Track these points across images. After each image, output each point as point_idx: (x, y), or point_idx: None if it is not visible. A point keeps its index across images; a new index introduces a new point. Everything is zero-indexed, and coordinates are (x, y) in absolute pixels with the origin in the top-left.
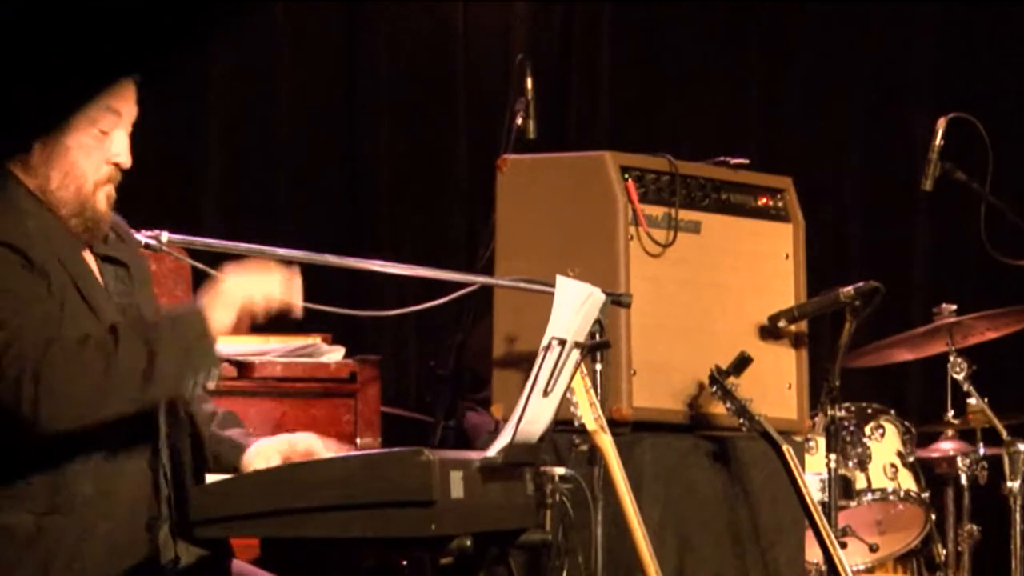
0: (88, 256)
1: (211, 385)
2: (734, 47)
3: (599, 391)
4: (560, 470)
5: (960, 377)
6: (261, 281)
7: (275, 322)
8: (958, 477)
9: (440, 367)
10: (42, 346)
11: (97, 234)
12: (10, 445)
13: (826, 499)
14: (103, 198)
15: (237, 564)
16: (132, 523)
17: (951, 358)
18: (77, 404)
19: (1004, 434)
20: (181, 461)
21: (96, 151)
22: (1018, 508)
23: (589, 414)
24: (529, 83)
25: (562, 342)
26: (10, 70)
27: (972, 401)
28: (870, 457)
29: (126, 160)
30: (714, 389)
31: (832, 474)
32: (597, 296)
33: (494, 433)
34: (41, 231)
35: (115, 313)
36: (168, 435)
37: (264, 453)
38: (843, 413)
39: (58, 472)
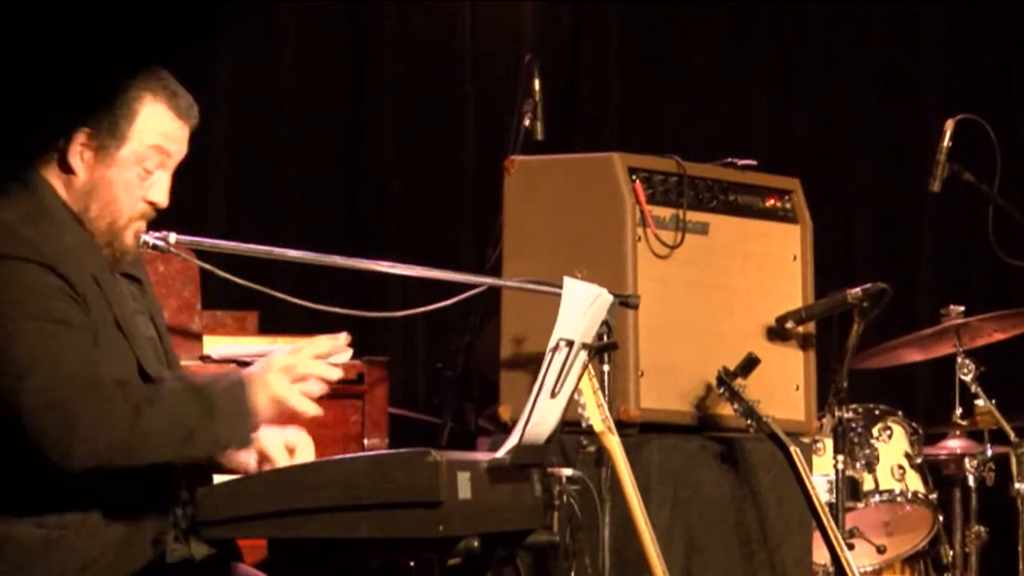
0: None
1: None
2: (741, 48)
3: (607, 392)
4: (567, 471)
5: (968, 378)
6: (307, 364)
7: (280, 323)
8: (966, 478)
9: (448, 368)
10: (79, 385)
11: (121, 265)
12: (24, 467)
13: (833, 500)
14: (131, 233)
15: (240, 568)
16: (144, 530)
17: (959, 359)
18: (106, 451)
19: (1012, 435)
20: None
21: (137, 188)
22: None
23: (596, 415)
24: (537, 84)
25: (570, 343)
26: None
27: (980, 402)
28: (878, 458)
29: (165, 202)
30: (721, 390)
31: (839, 475)
32: (605, 297)
33: (501, 436)
34: (78, 247)
35: (146, 340)
36: None
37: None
38: (850, 414)
39: (71, 493)
